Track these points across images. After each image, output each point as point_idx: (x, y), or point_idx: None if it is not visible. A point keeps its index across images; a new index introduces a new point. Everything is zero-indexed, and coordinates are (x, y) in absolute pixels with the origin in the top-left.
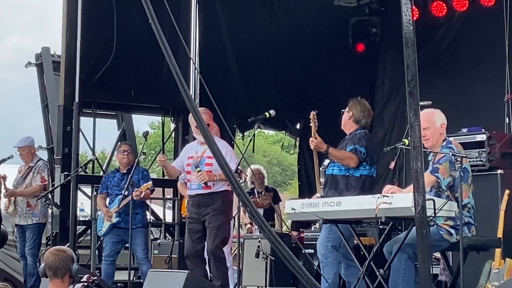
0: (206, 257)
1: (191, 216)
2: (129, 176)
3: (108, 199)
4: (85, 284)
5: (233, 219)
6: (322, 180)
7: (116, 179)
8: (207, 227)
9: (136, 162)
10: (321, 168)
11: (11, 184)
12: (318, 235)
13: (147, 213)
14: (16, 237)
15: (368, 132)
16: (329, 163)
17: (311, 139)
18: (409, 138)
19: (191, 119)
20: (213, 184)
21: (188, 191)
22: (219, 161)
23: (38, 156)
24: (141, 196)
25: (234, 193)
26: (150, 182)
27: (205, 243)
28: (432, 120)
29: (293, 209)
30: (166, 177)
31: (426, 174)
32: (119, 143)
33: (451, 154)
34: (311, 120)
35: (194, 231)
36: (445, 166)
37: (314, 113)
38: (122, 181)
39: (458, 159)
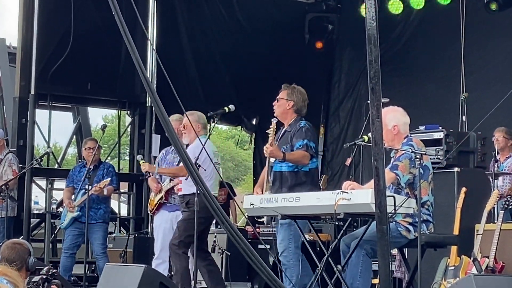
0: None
1: None
2: (87, 172)
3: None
4: (44, 276)
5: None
6: (270, 177)
7: (82, 174)
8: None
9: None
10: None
11: None
12: (274, 231)
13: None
14: None
15: (309, 123)
16: (275, 160)
17: (266, 146)
18: (368, 134)
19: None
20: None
21: None
22: (185, 162)
23: (7, 149)
24: (105, 193)
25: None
26: (108, 179)
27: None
28: (383, 121)
29: (252, 204)
30: (121, 171)
31: (385, 171)
32: (85, 139)
33: (410, 151)
34: (271, 129)
35: None
36: (404, 163)
37: (274, 122)
38: (89, 174)
39: (418, 156)
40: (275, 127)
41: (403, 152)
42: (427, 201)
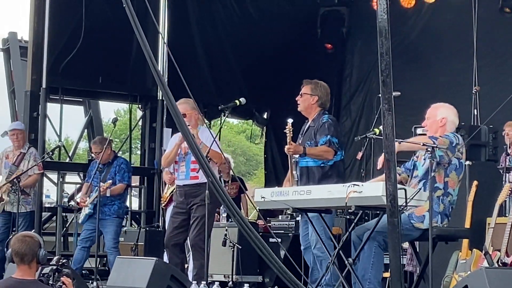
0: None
1: (177, 205)
2: (97, 168)
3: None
4: (54, 267)
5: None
6: (294, 172)
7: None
8: (191, 217)
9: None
10: (293, 160)
11: None
12: (285, 224)
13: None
14: None
15: (332, 116)
16: (299, 156)
17: (287, 147)
18: (380, 127)
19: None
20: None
21: (176, 181)
22: (193, 150)
23: (27, 143)
24: (107, 194)
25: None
26: (109, 181)
27: (188, 233)
28: (433, 113)
29: (263, 197)
30: (132, 165)
31: (423, 136)
32: (91, 143)
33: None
34: (287, 130)
35: (179, 220)
36: (444, 141)
37: (290, 123)
38: (102, 173)
39: (460, 147)
40: (291, 127)
41: (446, 135)
42: (452, 195)
